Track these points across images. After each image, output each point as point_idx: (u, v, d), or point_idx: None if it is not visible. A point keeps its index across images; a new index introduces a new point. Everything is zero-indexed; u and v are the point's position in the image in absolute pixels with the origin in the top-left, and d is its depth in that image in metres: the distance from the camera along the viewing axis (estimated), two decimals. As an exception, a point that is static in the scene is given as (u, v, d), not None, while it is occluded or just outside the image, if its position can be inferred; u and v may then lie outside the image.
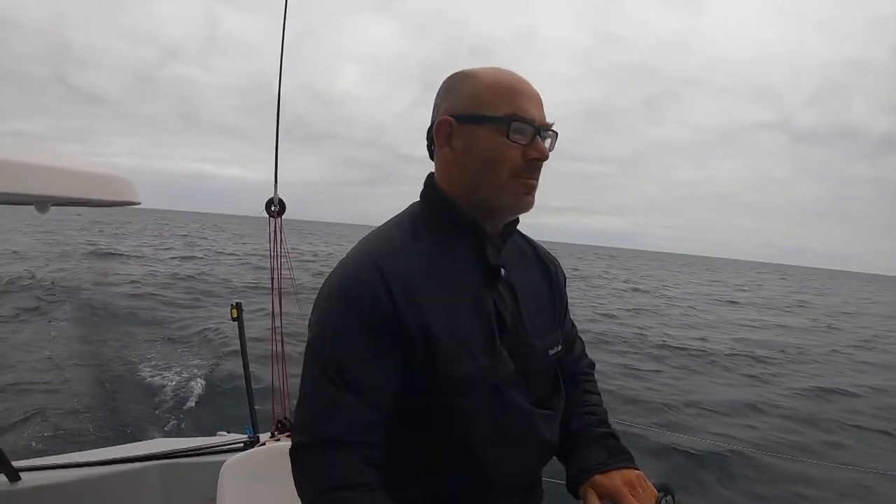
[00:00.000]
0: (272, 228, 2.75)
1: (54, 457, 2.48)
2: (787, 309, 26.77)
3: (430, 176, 1.02)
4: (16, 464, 2.16)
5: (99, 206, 1.51)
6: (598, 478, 0.97)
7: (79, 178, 1.27)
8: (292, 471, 0.87)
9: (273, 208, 2.74)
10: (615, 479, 0.96)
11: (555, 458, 1.10)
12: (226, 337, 10.78)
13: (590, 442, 1.05)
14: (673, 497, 1.00)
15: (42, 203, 1.36)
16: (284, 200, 2.69)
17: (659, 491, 0.98)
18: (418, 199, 1.04)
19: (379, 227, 1.00)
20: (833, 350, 14.37)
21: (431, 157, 1.01)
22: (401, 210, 1.04)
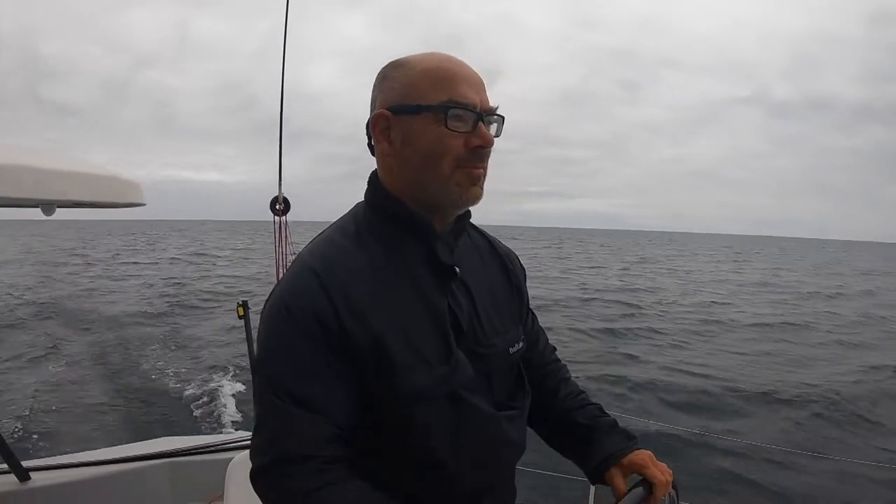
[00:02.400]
0: (277, 227, 2.75)
1: (63, 456, 2.49)
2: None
3: (373, 174, 0.95)
4: (25, 464, 2.17)
5: (104, 207, 1.51)
6: (625, 459, 1.00)
7: (84, 180, 1.26)
8: (256, 491, 0.83)
9: (278, 206, 2.74)
10: (640, 455, 1.00)
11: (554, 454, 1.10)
12: (229, 335, 10.84)
13: (605, 431, 1.05)
14: (676, 492, 1.01)
15: (48, 205, 1.36)
16: (271, 200, 2.69)
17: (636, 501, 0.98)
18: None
19: (322, 233, 0.95)
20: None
21: (373, 153, 0.95)
22: (337, 219, 0.98)
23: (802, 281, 29.68)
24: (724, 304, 18.92)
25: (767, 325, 14.59)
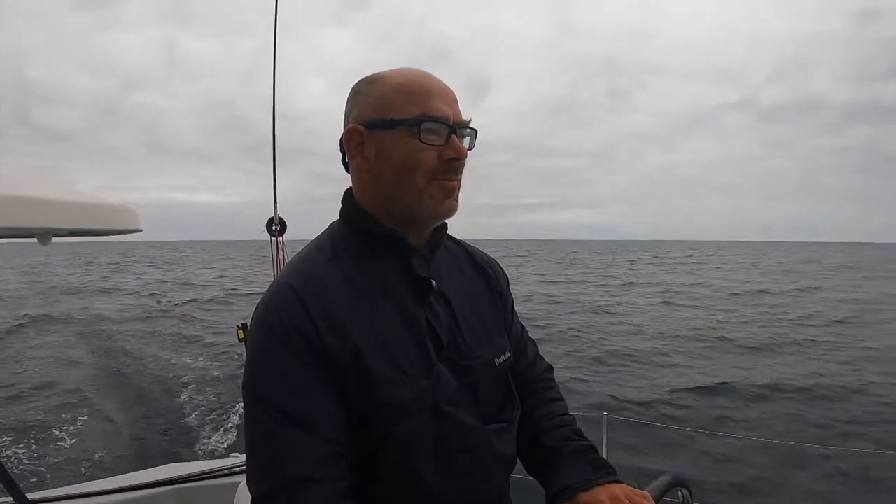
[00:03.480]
0: (274, 248, 2.75)
1: (67, 487, 2.46)
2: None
3: (348, 191, 0.95)
4: (30, 495, 2.15)
5: (101, 235, 1.51)
6: (582, 496, 0.90)
7: (79, 208, 1.25)
8: None
9: (274, 227, 2.74)
10: (599, 496, 0.89)
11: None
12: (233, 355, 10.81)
13: (568, 457, 0.98)
14: (689, 490, 1.00)
15: (44, 235, 1.35)
16: (267, 220, 2.70)
17: (675, 485, 0.98)
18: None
19: (300, 251, 0.94)
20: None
21: (347, 170, 0.95)
22: (315, 237, 0.98)
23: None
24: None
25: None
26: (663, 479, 0.97)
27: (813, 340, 13.29)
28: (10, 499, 2.11)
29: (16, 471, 5.75)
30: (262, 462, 0.80)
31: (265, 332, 0.83)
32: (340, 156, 0.95)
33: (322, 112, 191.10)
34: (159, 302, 22.00)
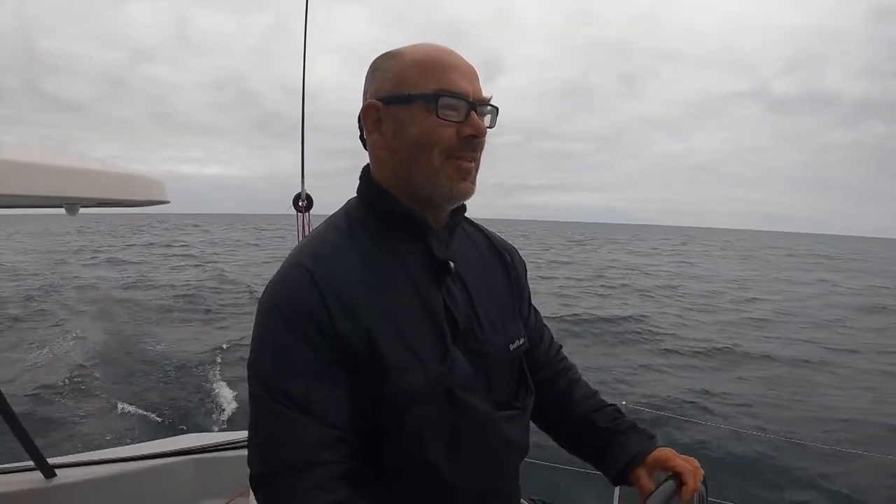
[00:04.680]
0: (300, 224, 2.75)
1: (88, 453, 2.50)
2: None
3: (365, 168, 0.94)
4: (51, 460, 2.18)
5: (128, 206, 1.50)
6: (649, 458, 0.99)
7: (108, 179, 1.25)
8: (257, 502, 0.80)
9: (301, 203, 2.74)
10: (665, 452, 0.99)
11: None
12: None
13: (626, 432, 1.03)
14: (705, 485, 0.99)
15: (72, 205, 1.34)
16: (294, 196, 2.68)
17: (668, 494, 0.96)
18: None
19: (315, 229, 0.94)
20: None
21: (365, 146, 0.93)
22: (330, 215, 0.97)
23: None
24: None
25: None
26: (663, 489, 0.95)
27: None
28: (31, 462, 2.15)
29: (39, 434, 5.90)
30: (262, 444, 0.79)
31: (274, 314, 0.81)
32: (358, 132, 0.93)
33: (331, 89, 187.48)
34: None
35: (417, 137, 0.84)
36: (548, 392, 1.07)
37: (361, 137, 0.93)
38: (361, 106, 0.90)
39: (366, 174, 0.94)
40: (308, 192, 2.49)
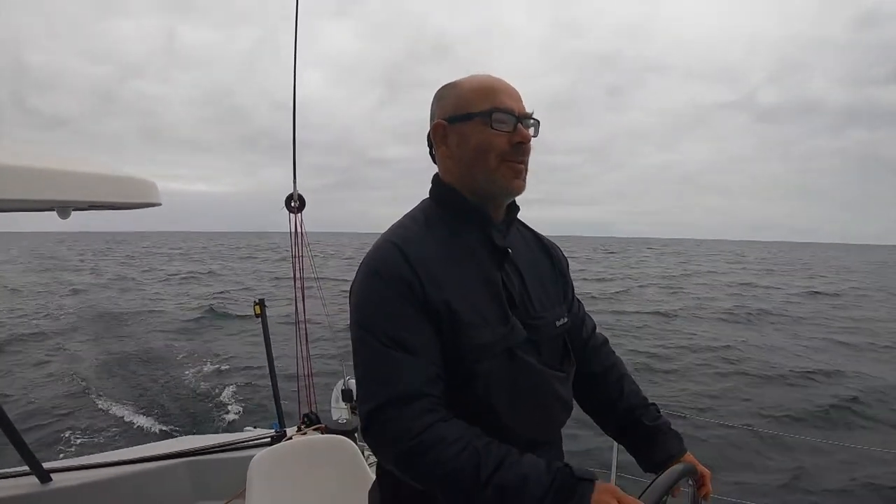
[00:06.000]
0: (293, 224, 2.75)
1: (84, 457, 2.49)
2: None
3: (436, 175, 1.13)
4: (46, 465, 2.17)
5: (121, 208, 1.49)
6: (685, 457, 1.17)
7: (99, 181, 1.24)
8: (369, 436, 0.94)
9: (293, 204, 2.75)
10: (687, 458, 1.16)
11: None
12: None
13: (667, 432, 1.20)
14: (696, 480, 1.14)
15: (64, 208, 1.33)
16: (286, 197, 2.69)
17: (685, 474, 1.08)
18: (427, 196, 1.14)
19: (396, 221, 1.10)
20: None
21: (434, 160, 1.13)
22: (406, 212, 1.14)
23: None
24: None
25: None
26: (676, 469, 1.05)
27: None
28: (26, 467, 2.14)
29: (34, 438, 5.86)
30: (375, 381, 0.94)
31: (374, 277, 0.98)
32: (428, 149, 1.14)
33: (319, 105, 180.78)
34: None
35: (477, 146, 1.03)
36: (600, 384, 1.25)
37: (431, 153, 1.13)
38: (429, 128, 1.10)
39: (437, 179, 1.13)
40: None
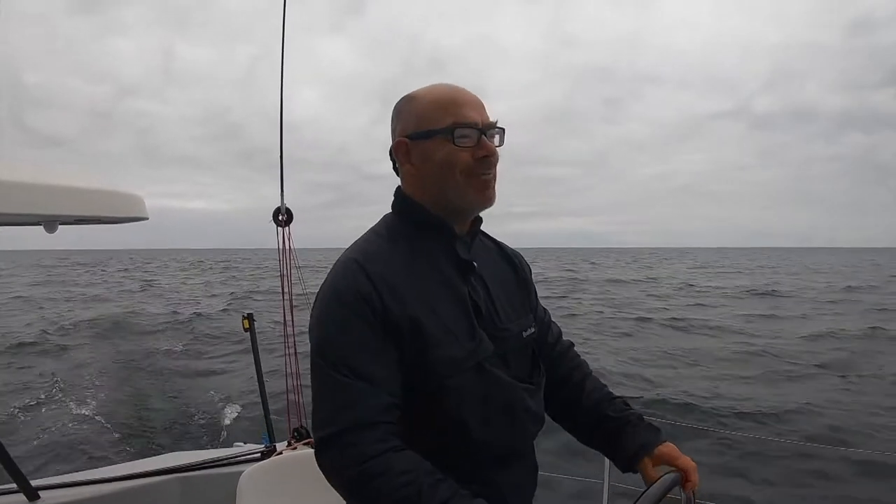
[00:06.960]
0: (280, 238, 2.76)
1: (72, 474, 2.47)
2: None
3: (398, 189, 1.12)
4: (34, 482, 2.16)
5: (108, 223, 1.49)
6: (658, 449, 1.11)
7: (86, 195, 1.24)
8: (321, 464, 0.93)
9: (280, 217, 2.75)
10: (670, 447, 1.12)
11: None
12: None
13: (636, 424, 1.16)
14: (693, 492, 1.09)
15: (50, 222, 1.33)
16: (274, 210, 2.70)
17: (675, 484, 1.04)
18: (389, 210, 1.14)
19: (360, 236, 1.09)
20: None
21: (397, 174, 1.12)
22: (370, 227, 1.13)
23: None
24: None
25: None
26: (668, 477, 1.04)
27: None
28: (14, 485, 2.12)
29: (21, 455, 5.79)
30: (330, 410, 0.93)
31: (334, 300, 0.97)
32: (391, 164, 1.12)
33: (315, 122, 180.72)
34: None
35: (441, 163, 1.02)
36: (563, 386, 1.23)
37: (394, 167, 1.11)
38: (392, 142, 1.09)
39: (399, 193, 1.11)
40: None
